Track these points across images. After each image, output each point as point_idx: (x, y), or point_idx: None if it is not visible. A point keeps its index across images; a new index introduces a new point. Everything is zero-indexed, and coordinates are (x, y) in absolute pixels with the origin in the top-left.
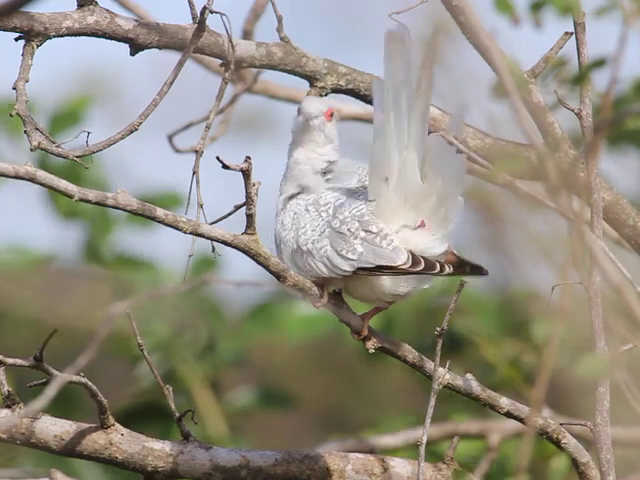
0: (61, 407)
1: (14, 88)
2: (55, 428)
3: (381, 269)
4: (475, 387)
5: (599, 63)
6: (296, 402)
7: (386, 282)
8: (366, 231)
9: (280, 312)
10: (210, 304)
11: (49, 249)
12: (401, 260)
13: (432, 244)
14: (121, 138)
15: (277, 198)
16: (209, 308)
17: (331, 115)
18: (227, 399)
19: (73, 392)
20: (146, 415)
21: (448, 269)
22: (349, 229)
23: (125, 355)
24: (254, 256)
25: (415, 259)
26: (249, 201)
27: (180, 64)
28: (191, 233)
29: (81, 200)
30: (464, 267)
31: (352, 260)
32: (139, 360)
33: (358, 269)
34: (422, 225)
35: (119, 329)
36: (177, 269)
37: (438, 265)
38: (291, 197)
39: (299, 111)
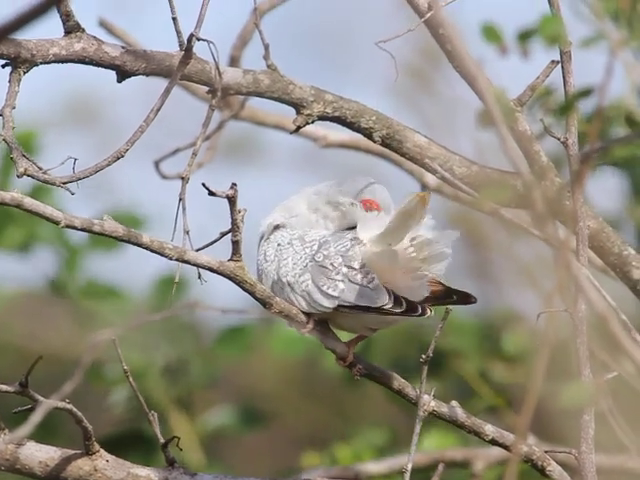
0: (43, 433)
1: (0, 115)
2: (40, 454)
3: (362, 308)
4: (460, 414)
5: (585, 92)
6: (271, 420)
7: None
8: (348, 267)
9: (257, 333)
10: (183, 325)
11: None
12: (382, 301)
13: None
14: (108, 165)
15: (264, 219)
16: (182, 329)
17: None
18: (201, 421)
19: (55, 418)
20: (123, 443)
21: (430, 312)
22: (332, 263)
23: (98, 384)
24: (240, 283)
25: (397, 300)
26: (235, 228)
27: (167, 91)
28: (177, 260)
29: (67, 227)
30: (451, 296)
31: (333, 297)
32: (112, 388)
33: (339, 306)
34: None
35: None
36: (144, 293)
37: (420, 308)
38: (276, 227)
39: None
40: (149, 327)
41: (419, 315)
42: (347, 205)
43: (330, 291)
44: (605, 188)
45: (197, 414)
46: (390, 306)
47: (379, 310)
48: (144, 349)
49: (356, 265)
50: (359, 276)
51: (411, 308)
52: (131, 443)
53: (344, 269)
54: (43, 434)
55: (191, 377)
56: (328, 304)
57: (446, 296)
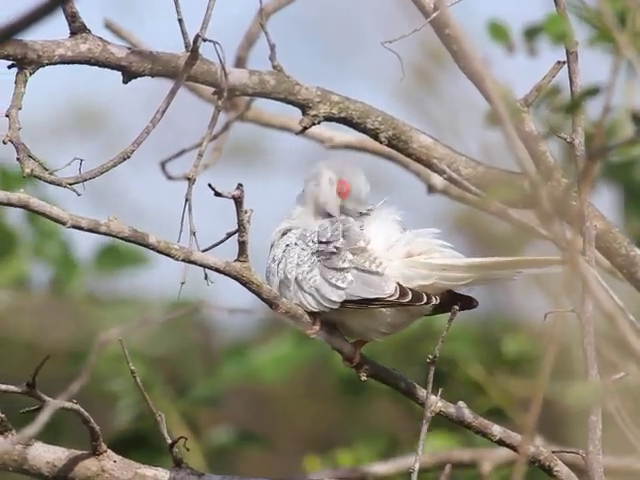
0: (50, 434)
1: (7, 115)
2: (47, 455)
3: (368, 302)
4: (467, 414)
5: (592, 92)
6: (273, 444)
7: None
8: (352, 249)
9: (256, 352)
10: (190, 339)
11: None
12: (389, 290)
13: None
14: (113, 165)
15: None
16: (189, 343)
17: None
18: (205, 437)
19: (61, 419)
20: (127, 445)
21: (435, 300)
22: (335, 246)
23: (103, 392)
24: (246, 283)
25: (402, 290)
26: (241, 228)
27: (173, 92)
28: (183, 260)
29: (73, 227)
30: (456, 302)
31: (341, 290)
32: (118, 398)
33: (345, 302)
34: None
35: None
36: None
37: (425, 296)
38: (284, 233)
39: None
40: (156, 338)
41: (425, 303)
42: (326, 178)
43: (339, 283)
44: (601, 202)
45: (202, 429)
46: (397, 297)
47: (385, 302)
48: (151, 361)
49: (362, 243)
50: (367, 263)
51: (417, 298)
52: (135, 446)
53: (350, 255)
54: (49, 435)
55: (196, 393)
56: (336, 298)
57: (451, 302)
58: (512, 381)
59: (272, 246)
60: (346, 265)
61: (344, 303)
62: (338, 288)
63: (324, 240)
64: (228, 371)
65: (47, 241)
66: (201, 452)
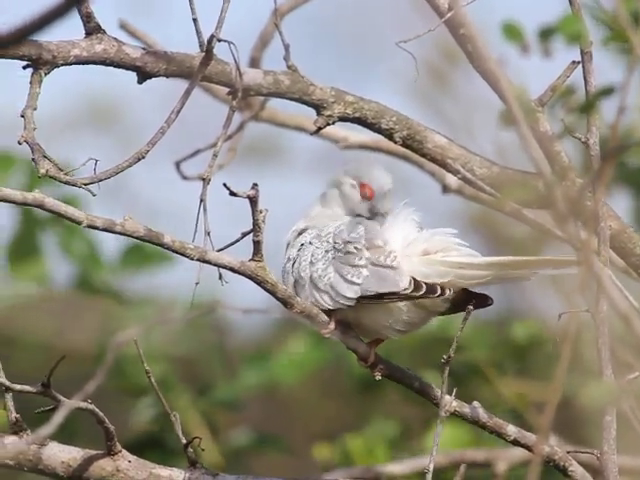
0: (64, 435)
1: (22, 116)
2: (62, 455)
3: (383, 296)
4: (482, 414)
5: (606, 92)
6: (290, 446)
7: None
8: (370, 247)
9: (273, 356)
10: (207, 339)
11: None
12: (404, 284)
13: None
14: (129, 166)
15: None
16: (206, 343)
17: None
18: (223, 439)
19: (76, 419)
20: (141, 446)
21: (449, 292)
22: (355, 247)
23: (121, 393)
24: (261, 283)
25: (417, 284)
26: (256, 228)
27: (187, 92)
28: (198, 260)
29: (89, 227)
30: (471, 300)
31: (356, 285)
32: (136, 396)
33: (361, 297)
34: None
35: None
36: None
37: (439, 289)
38: (300, 233)
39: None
40: (176, 338)
41: (439, 296)
42: (348, 186)
43: (355, 279)
44: (616, 206)
45: (220, 431)
46: (411, 290)
47: (400, 296)
48: (170, 360)
49: (379, 242)
50: (382, 257)
51: (430, 290)
52: (149, 448)
53: (366, 253)
54: (64, 435)
55: (216, 395)
56: (351, 294)
57: (466, 301)
58: (528, 382)
59: (288, 246)
60: (362, 262)
61: (359, 299)
62: (353, 284)
63: (343, 240)
64: (248, 379)
65: (72, 239)
66: (219, 453)
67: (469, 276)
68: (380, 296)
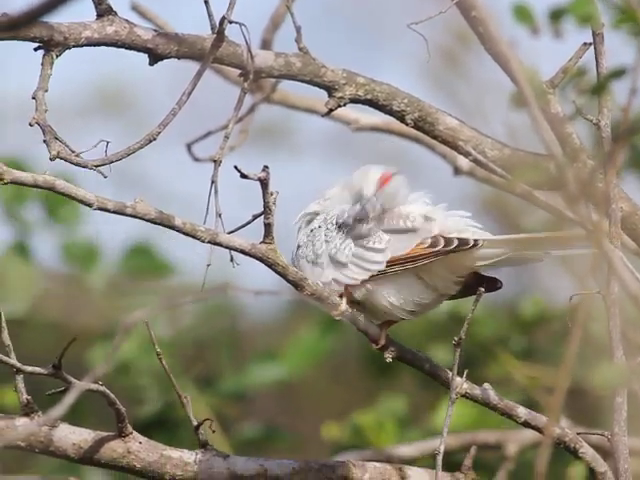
0: (75, 416)
1: (33, 97)
2: (73, 436)
3: (414, 259)
4: (493, 396)
5: (618, 73)
6: (301, 442)
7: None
8: (385, 212)
9: (283, 347)
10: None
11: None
12: (435, 230)
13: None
14: (140, 147)
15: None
16: (217, 327)
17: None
18: (232, 430)
19: (85, 400)
20: (152, 427)
21: (481, 243)
22: (372, 216)
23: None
24: (272, 265)
25: (447, 240)
26: (267, 210)
27: (199, 74)
28: (209, 242)
29: (99, 209)
30: (482, 283)
31: (380, 252)
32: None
33: (389, 265)
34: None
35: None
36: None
37: (472, 240)
38: (311, 218)
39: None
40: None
41: (470, 247)
42: (372, 172)
43: (377, 245)
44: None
45: (229, 421)
46: (442, 245)
47: (432, 253)
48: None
49: (396, 210)
50: (401, 221)
51: (462, 242)
52: (157, 429)
53: (384, 220)
54: (74, 417)
55: (225, 387)
56: (380, 258)
57: (477, 284)
58: (537, 364)
59: (299, 229)
60: (382, 227)
61: (387, 267)
62: (378, 250)
63: (352, 218)
64: (258, 377)
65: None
66: (228, 444)
67: (483, 255)
68: (411, 259)
